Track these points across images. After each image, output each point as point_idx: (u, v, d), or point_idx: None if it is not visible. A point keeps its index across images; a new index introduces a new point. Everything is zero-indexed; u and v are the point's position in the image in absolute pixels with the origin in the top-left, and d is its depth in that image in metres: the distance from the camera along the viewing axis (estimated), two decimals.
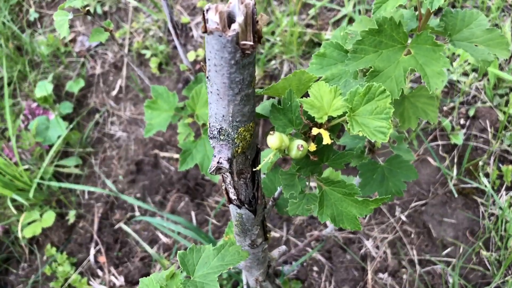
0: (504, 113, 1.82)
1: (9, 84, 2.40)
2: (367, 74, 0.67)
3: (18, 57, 2.42)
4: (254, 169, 0.67)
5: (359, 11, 2.11)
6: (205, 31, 0.49)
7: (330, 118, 0.62)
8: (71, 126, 2.20)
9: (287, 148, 0.62)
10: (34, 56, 2.48)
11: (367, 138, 0.98)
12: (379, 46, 0.68)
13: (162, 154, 2.16)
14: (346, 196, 0.69)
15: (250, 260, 0.94)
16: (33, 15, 2.58)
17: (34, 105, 2.28)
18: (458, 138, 1.81)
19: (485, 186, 1.73)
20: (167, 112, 1.20)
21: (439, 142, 1.87)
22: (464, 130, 1.85)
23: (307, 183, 0.73)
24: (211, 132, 0.60)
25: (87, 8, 1.05)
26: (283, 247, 1.08)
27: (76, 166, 2.20)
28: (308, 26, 2.19)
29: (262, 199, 0.77)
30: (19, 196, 1.92)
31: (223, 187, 0.73)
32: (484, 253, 1.65)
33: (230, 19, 0.50)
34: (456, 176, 1.79)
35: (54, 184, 2.00)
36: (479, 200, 1.74)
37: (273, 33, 2.18)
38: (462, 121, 1.87)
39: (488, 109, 1.87)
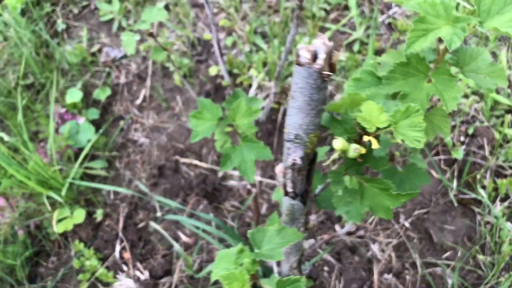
0: (500, 132, 1.98)
1: (39, 91, 2.57)
2: (397, 97, 0.86)
3: (48, 64, 2.58)
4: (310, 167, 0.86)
5: (367, 35, 2.30)
6: (298, 64, 0.68)
7: (377, 129, 0.81)
8: (101, 131, 2.36)
9: (346, 150, 0.82)
10: (63, 64, 2.64)
11: (389, 149, 1.16)
12: (407, 75, 0.87)
13: (182, 160, 2.32)
14: (382, 191, 0.88)
15: (290, 246, 1.11)
16: (60, 26, 2.73)
17: (63, 110, 2.44)
18: (459, 153, 1.99)
19: (482, 197, 1.88)
20: (210, 121, 1.38)
21: (441, 157, 2.05)
22: (464, 147, 2.03)
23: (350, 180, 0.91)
24: (288, 136, 0.80)
25: (150, 31, 1.23)
26: (311, 240, 1.26)
27: (102, 169, 2.35)
28: None
29: (312, 193, 0.95)
30: (53, 194, 2.08)
31: (281, 182, 0.91)
32: (480, 256, 1.83)
33: (314, 55, 0.69)
34: (456, 188, 1.95)
35: (85, 184, 2.16)
36: (476, 209, 1.91)
37: (290, 52, 2.37)
38: (462, 138, 2.04)
39: (485, 128, 2.05)
